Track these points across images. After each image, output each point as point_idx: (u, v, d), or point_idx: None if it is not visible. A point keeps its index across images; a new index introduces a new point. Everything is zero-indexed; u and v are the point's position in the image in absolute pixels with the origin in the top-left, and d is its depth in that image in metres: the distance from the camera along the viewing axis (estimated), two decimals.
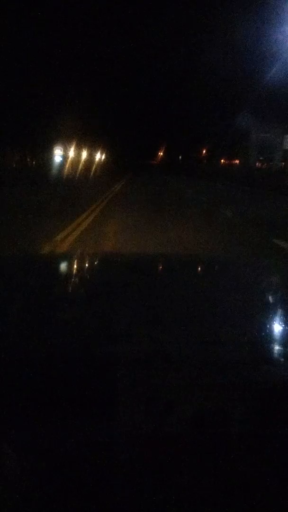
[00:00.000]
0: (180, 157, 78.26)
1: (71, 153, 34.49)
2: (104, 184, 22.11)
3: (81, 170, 32.31)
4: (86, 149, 40.61)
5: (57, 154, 31.38)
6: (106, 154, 56.19)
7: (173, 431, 0.67)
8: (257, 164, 42.05)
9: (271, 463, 0.64)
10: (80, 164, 35.54)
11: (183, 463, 0.63)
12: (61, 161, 31.53)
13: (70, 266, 1.81)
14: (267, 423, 0.70)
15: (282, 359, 0.88)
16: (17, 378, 0.75)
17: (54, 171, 28.08)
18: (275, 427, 0.69)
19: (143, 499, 0.58)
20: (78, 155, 38.89)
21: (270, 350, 0.93)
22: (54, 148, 31.18)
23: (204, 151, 74.74)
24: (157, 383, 0.76)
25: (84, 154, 40.24)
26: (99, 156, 50.21)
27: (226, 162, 65.11)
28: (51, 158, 31.09)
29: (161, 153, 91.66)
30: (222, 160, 67.98)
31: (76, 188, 19.09)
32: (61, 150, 31.54)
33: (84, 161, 38.69)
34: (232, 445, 0.66)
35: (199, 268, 1.89)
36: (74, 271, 1.70)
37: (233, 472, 0.62)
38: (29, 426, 0.65)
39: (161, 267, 1.87)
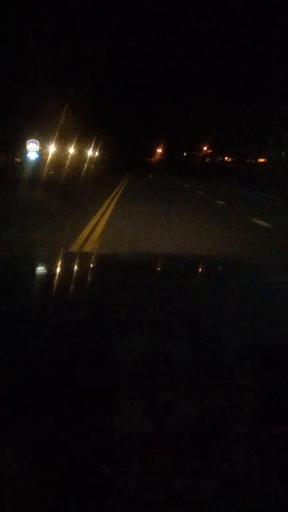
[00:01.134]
0: (185, 154, 69.99)
1: (52, 148, 26.35)
2: (94, 196, 13.82)
3: (66, 172, 23.90)
4: (74, 145, 32.52)
5: (32, 150, 23.22)
6: (98, 150, 48.31)
7: (173, 431, 0.68)
8: None
9: (271, 463, 0.65)
10: (66, 163, 27.41)
11: (183, 463, 0.63)
12: (37, 158, 23.36)
13: (69, 266, 1.78)
14: (267, 424, 0.70)
15: (282, 359, 0.88)
16: (17, 378, 0.75)
17: (25, 174, 19.87)
18: (275, 428, 0.69)
19: (143, 499, 0.59)
20: (62, 151, 30.77)
21: (270, 350, 0.93)
22: (27, 142, 23.06)
23: (205, 148, 67.77)
24: (157, 383, 0.76)
25: (71, 151, 32.11)
26: (90, 153, 42.16)
27: (229, 160, 58.95)
28: (21, 154, 23.08)
29: (160, 150, 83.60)
30: (226, 158, 61.67)
31: (55, 205, 10.59)
32: (37, 144, 23.38)
33: (71, 160, 30.56)
34: (232, 445, 0.66)
35: (200, 269, 1.89)
36: (74, 271, 1.68)
37: (233, 472, 0.62)
38: (29, 426, 0.65)
39: (161, 268, 1.88)
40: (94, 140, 42.55)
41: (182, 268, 1.86)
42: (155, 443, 0.65)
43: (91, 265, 1.83)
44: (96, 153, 47.48)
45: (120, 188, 18.06)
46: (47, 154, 25.25)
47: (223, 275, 1.75)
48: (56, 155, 27.51)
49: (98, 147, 47.71)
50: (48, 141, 25.87)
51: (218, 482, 0.60)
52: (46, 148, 25.57)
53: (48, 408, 0.68)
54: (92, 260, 2.03)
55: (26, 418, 0.66)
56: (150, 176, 31.15)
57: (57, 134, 25.35)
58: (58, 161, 26.78)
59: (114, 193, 15.12)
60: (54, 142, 26.25)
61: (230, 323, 1.07)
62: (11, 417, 0.67)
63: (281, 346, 0.95)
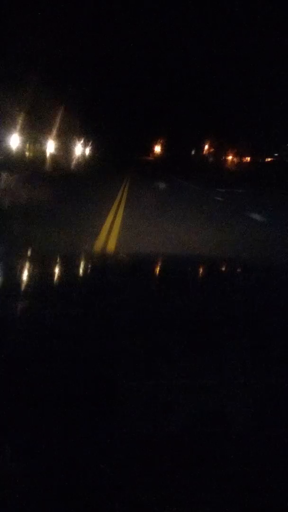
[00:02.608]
0: (192, 152, 61.79)
1: (17, 142, 18.31)
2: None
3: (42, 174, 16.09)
4: (53, 139, 24.55)
5: None
6: (89, 146, 40.41)
7: (173, 431, 0.68)
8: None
9: (271, 463, 0.65)
10: (44, 163, 19.62)
11: (183, 463, 0.64)
12: None
13: (70, 265, 1.77)
14: (267, 423, 0.70)
15: (282, 359, 0.87)
16: (17, 378, 0.76)
17: None
18: (275, 427, 0.69)
19: (143, 499, 0.59)
20: (39, 146, 22.78)
21: (270, 350, 0.92)
22: None
23: (206, 147, 60.20)
24: (157, 383, 0.77)
25: (50, 147, 24.13)
26: (80, 151, 34.16)
27: (236, 160, 51.75)
28: None
29: (159, 147, 75.63)
30: (230, 158, 54.36)
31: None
32: None
33: (51, 159, 22.70)
34: (232, 445, 0.66)
35: (200, 269, 1.89)
36: (75, 270, 1.68)
37: (233, 472, 0.63)
38: (30, 426, 0.66)
39: (161, 267, 1.86)
40: (85, 135, 34.78)
41: (179, 265, 1.85)
42: (155, 443, 0.65)
43: (92, 263, 1.82)
44: (88, 151, 39.55)
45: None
46: (7, 151, 17.20)
47: (224, 274, 1.75)
48: (24, 150, 19.45)
49: (90, 144, 39.87)
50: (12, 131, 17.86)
51: (218, 482, 0.60)
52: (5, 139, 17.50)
53: (48, 408, 0.68)
54: (92, 260, 1.99)
55: (26, 418, 0.66)
56: (161, 186, 18.81)
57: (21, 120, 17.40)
58: (25, 159, 18.70)
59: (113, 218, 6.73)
60: (19, 132, 18.25)
61: (230, 323, 1.04)
62: (11, 418, 0.66)
63: (281, 346, 0.93)
